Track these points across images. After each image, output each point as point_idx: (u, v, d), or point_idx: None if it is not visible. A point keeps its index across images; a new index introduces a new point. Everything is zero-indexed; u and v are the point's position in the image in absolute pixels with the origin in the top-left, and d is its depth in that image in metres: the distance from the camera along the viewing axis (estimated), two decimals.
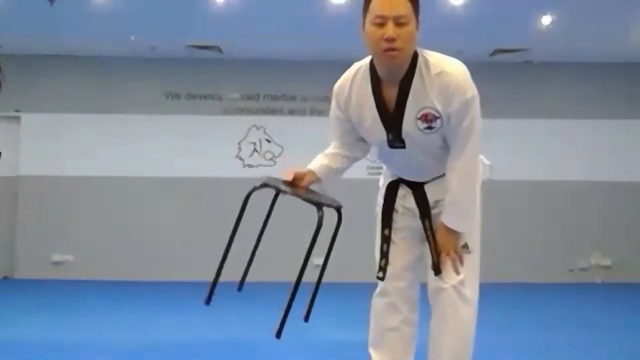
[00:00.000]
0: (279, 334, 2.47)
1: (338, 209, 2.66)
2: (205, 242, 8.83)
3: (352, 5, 6.17)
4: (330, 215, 2.53)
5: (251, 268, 2.87)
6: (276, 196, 2.68)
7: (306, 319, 2.70)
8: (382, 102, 2.60)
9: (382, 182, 2.93)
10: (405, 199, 2.83)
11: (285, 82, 9.17)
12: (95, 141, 9.05)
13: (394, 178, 2.86)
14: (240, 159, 9.21)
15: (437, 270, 2.69)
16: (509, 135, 9.16)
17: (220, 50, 8.86)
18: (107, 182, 9.04)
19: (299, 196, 2.61)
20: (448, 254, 2.68)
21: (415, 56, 2.55)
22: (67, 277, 8.70)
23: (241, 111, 9.31)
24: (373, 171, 7.85)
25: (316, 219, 2.44)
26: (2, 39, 8.50)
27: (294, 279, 2.59)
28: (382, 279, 2.81)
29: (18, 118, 9.15)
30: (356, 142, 2.81)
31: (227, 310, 5.79)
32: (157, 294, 7.63)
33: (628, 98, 9.30)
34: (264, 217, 2.76)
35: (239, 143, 9.24)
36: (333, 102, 2.76)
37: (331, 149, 2.83)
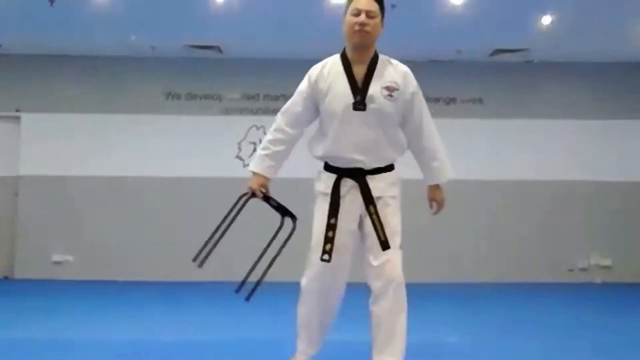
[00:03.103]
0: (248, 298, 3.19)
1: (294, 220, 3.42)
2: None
3: None
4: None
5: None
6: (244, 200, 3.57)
7: (247, 298, 3.29)
8: (352, 76, 3.41)
9: (322, 188, 3.46)
10: (350, 192, 3.38)
11: (285, 82, 9.07)
12: (95, 141, 9.05)
13: (335, 178, 3.40)
14: (240, 159, 9.20)
15: (386, 245, 3.26)
16: (509, 135, 9.17)
17: (220, 50, 8.86)
18: (107, 182, 9.04)
19: (272, 206, 3.54)
20: (440, 209, 3.55)
21: (377, 55, 3.45)
22: (67, 277, 8.71)
23: (241, 111, 9.31)
24: None
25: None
26: (2, 39, 8.52)
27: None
28: (328, 260, 3.31)
29: (18, 118, 9.16)
30: (306, 121, 3.55)
31: (227, 311, 5.79)
32: (157, 294, 7.62)
33: (628, 98, 9.30)
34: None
35: (239, 143, 9.23)
36: (305, 82, 3.51)
37: (277, 132, 3.56)
